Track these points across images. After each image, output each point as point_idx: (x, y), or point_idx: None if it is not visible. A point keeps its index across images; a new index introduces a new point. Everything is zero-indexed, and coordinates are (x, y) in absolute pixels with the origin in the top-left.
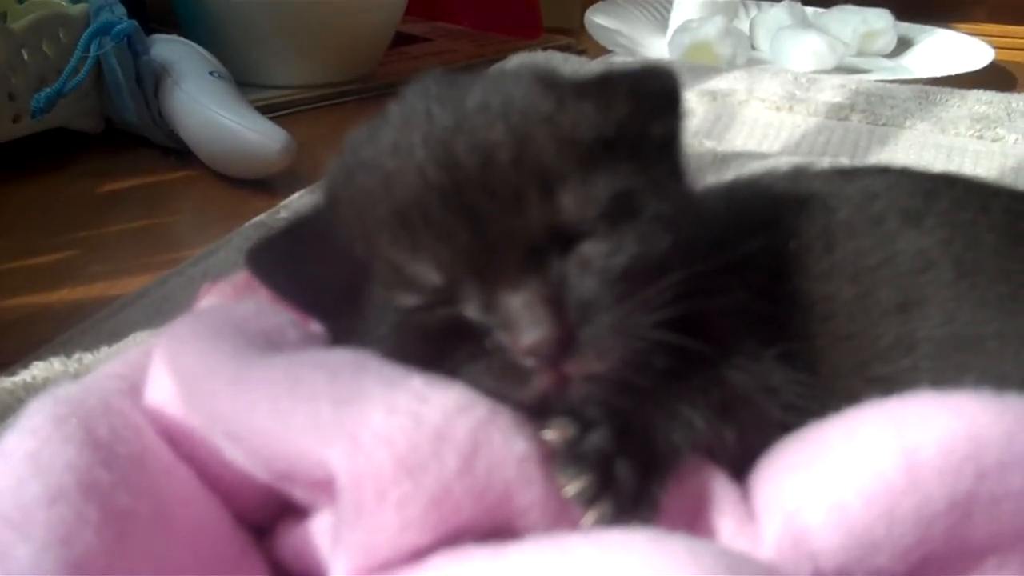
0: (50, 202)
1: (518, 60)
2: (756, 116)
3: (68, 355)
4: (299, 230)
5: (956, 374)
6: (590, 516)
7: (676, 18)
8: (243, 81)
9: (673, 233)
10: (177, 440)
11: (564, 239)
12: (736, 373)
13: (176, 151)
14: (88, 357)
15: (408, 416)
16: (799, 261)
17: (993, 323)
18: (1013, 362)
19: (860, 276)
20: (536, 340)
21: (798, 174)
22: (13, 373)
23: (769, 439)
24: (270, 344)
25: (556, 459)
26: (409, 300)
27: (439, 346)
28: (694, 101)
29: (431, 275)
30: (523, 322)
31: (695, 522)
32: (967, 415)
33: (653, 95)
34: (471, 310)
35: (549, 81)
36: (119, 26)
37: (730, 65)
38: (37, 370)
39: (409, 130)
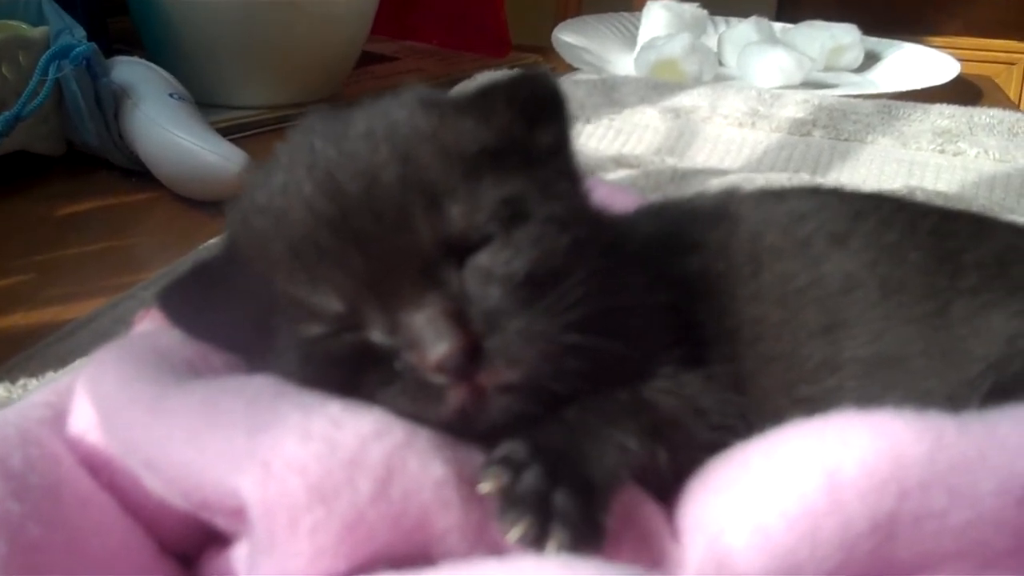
0: (7, 226)
1: (483, 78)
2: (719, 133)
3: (13, 381)
4: (206, 272)
5: (881, 392)
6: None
7: (643, 35)
8: (207, 102)
9: (569, 234)
10: (98, 468)
11: (457, 252)
12: (663, 396)
13: (137, 173)
14: (33, 383)
15: (322, 442)
16: (726, 283)
17: (918, 341)
18: (937, 379)
19: (787, 299)
20: (442, 354)
21: (728, 196)
22: None
23: (698, 461)
24: (193, 372)
25: (494, 508)
26: (314, 330)
27: (350, 373)
28: (657, 118)
29: (331, 303)
30: (427, 338)
31: (622, 546)
32: (889, 434)
33: (532, 101)
34: (376, 334)
35: (430, 101)
36: (78, 49)
37: (696, 82)
38: None
39: (295, 167)
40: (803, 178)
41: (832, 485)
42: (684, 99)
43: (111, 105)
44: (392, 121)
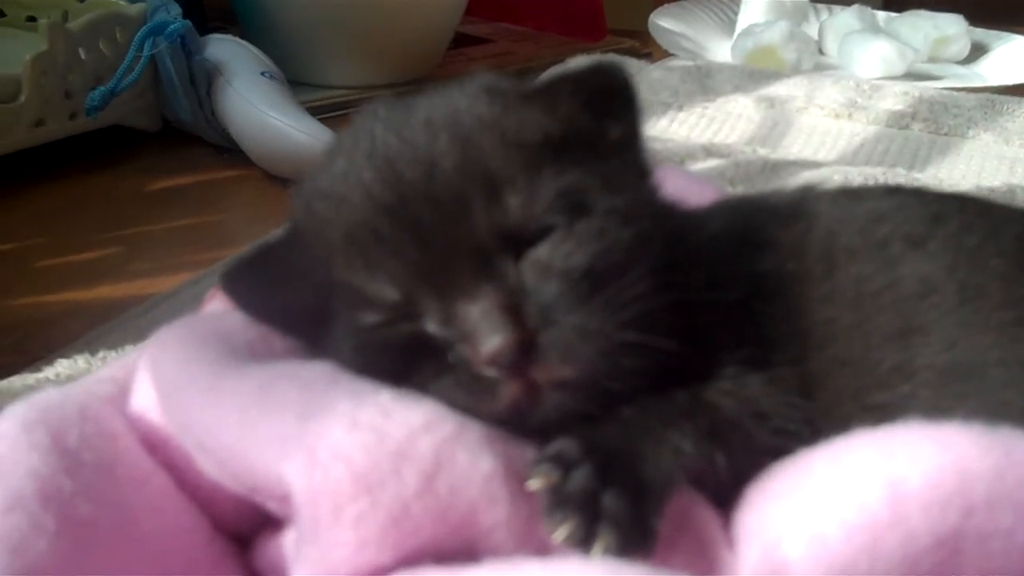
0: (101, 199)
1: (576, 63)
2: (814, 124)
3: (93, 353)
4: (268, 255)
5: (955, 403)
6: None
7: (743, 22)
8: (300, 81)
9: (632, 229)
10: (156, 447)
11: (515, 243)
12: (724, 398)
13: (229, 150)
14: (112, 355)
15: (370, 431)
16: (798, 283)
17: (996, 350)
18: (1015, 390)
19: (860, 301)
20: (496, 348)
21: (804, 192)
22: (37, 370)
23: (758, 466)
24: (254, 355)
25: (542, 506)
26: (370, 318)
27: (404, 363)
28: (751, 107)
29: (387, 291)
30: (481, 331)
31: (675, 551)
32: (955, 448)
33: (601, 92)
34: (431, 324)
35: (494, 89)
36: (172, 26)
37: (795, 70)
38: (61, 367)
39: (356, 154)
40: (899, 173)
41: (895, 497)
42: (780, 88)
43: (204, 82)
44: (454, 109)
